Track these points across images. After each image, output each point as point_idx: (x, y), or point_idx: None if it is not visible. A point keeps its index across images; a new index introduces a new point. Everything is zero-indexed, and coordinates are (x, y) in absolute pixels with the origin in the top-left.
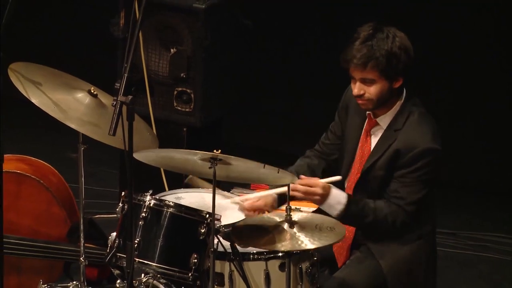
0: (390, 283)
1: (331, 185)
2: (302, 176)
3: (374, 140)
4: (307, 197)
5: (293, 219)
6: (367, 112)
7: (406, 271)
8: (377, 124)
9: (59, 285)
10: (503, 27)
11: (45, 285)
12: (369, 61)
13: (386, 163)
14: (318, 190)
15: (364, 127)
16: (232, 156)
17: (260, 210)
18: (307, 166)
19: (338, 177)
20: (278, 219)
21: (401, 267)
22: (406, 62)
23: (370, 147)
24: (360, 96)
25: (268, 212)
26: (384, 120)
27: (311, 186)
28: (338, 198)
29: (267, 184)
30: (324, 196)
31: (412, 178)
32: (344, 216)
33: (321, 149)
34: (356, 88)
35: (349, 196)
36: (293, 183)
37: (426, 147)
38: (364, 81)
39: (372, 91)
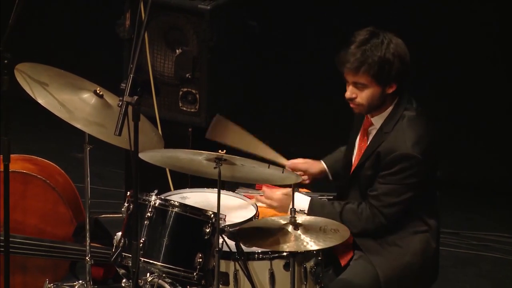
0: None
1: (294, 192)
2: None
3: (369, 140)
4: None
5: (297, 221)
6: None
7: (398, 278)
8: (372, 124)
9: (65, 284)
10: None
11: (51, 285)
12: (361, 66)
13: (372, 163)
14: (273, 202)
15: (362, 126)
16: (237, 157)
17: (300, 172)
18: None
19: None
20: (282, 221)
21: (395, 274)
22: (400, 69)
23: (366, 146)
24: (352, 100)
25: (306, 180)
26: (378, 121)
27: (268, 198)
28: (301, 205)
29: (272, 184)
30: (282, 206)
31: (390, 180)
32: None
33: None
34: (348, 92)
35: (312, 201)
36: (298, 182)
37: (402, 152)
38: (356, 85)
39: (363, 95)
